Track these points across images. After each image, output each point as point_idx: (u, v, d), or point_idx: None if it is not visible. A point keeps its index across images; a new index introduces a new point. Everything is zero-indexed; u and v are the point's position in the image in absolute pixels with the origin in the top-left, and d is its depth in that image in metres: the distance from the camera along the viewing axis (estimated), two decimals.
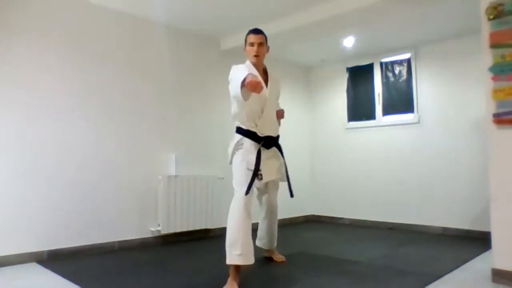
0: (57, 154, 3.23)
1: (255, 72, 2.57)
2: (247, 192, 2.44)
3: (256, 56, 2.63)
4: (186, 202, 3.94)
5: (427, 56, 4.54)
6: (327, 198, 5.36)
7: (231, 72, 2.49)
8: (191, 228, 3.98)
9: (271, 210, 3.03)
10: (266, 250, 3.17)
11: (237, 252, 2.37)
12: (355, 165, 5.07)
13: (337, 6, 3.49)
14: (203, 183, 4.10)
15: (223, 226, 4.22)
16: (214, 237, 4.10)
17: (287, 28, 3.88)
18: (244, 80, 2.22)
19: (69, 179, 3.28)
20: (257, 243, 3.11)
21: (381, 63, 4.92)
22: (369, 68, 5.02)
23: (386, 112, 4.85)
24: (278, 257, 3.14)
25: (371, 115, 4.98)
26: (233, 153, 2.61)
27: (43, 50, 3.21)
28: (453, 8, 3.49)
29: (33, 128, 3.13)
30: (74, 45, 3.39)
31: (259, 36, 2.69)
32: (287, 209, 5.11)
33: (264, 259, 3.13)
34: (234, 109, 2.62)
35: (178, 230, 3.87)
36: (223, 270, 2.85)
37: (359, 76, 5.15)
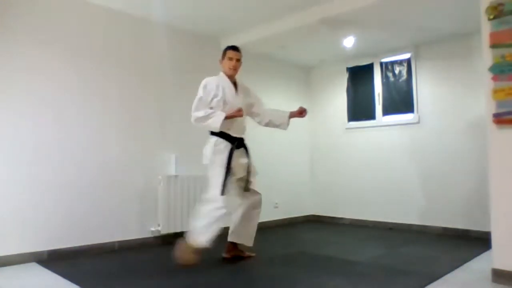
0: (56, 154, 3.23)
1: (227, 91, 3.02)
2: (222, 192, 2.82)
3: (233, 69, 3.06)
4: (186, 202, 3.94)
5: (427, 56, 4.54)
6: (327, 198, 5.36)
7: (202, 95, 2.97)
8: (191, 228, 3.97)
9: (254, 204, 3.10)
10: (239, 246, 3.17)
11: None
12: (355, 165, 5.07)
13: (337, 6, 3.49)
14: (203, 183, 4.08)
15: (223, 226, 4.24)
16: None
17: (287, 28, 3.88)
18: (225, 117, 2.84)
19: (69, 179, 3.28)
20: (232, 238, 3.11)
21: (381, 63, 4.92)
22: (369, 68, 5.01)
23: (386, 112, 4.85)
24: (249, 252, 3.18)
25: (371, 115, 4.97)
26: (213, 154, 2.92)
27: (42, 50, 3.21)
28: (453, 8, 3.49)
29: (32, 128, 3.12)
30: (73, 45, 3.39)
31: (238, 53, 3.10)
32: (287, 209, 5.12)
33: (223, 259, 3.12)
34: (200, 115, 2.89)
35: (178, 230, 3.87)
36: (223, 270, 2.85)
37: (359, 76, 5.15)
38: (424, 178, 4.44)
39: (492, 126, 2.52)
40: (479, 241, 3.66)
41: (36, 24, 3.19)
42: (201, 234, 2.80)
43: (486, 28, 2.55)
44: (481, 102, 3.26)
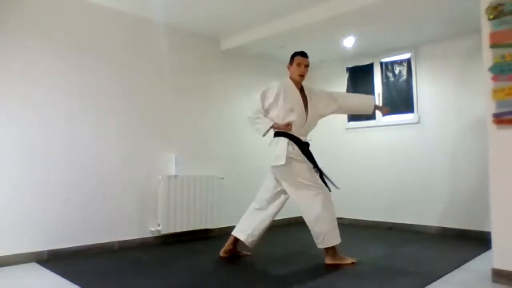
0: (56, 154, 3.23)
1: (292, 96, 2.99)
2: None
3: (301, 76, 3.02)
4: (186, 202, 3.94)
5: (427, 56, 4.54)
6: None
7: (265, 95, 2.95)
8: (191, 228, 3.98)
9: (279, 209, 3.18)
10: (244, 248, 3.18)
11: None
12: (355, 165, 5.07)
13: (337, 6, 3.49)
14: (203, 183, 4.10)
15: (223, 226, 4.26)
16: (214, 237, 4.10)
17: (287, 28, 3.88)
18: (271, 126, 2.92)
19: (68, 179, 3.28)
20: (244, 238, 3.08)
21: (381, 63, 4.92)
22: (369, 68, 5.02)
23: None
24: (245, 251, 3.23)
25: (371, 115, 4.97)
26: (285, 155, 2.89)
27: (42, 50, 3.21)
28: (453, 8, 3.49)
29: (32, 129, 3.12)
30: (73, 45, 3.39)
31: (306, 59, 3.05)
32: (287, 209, 5.09)
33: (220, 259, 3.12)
34: (249, 114, 3.00)
35: (178, 230, 3.88)
36: (223, 270, 2.85)
37: (359, 76, 5.15)
38: (423, 178, 4.44)
39: (492, 126, 2.52)
40: (479, 241, 3.66)
41: (37, 24, 3.19)
42: (336, 231, 2.97)
43: (486, 28, 2.55)
44: (481, 102, 3.26)
